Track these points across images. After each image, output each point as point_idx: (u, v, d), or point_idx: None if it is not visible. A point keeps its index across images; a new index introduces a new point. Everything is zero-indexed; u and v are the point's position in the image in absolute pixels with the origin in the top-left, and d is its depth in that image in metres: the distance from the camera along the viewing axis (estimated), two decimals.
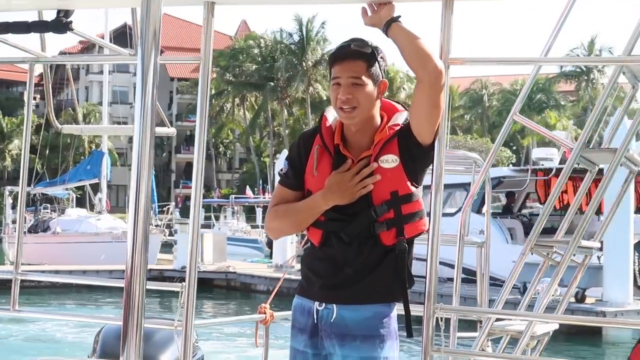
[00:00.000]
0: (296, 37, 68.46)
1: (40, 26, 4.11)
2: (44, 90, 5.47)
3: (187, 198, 64.09)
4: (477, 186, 5.67)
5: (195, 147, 3.75)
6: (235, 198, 50.55)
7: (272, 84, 68.66)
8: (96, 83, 75.82)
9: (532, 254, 5.24)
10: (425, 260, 3.52)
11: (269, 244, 34.66)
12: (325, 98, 63.23)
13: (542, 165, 23.91)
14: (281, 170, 3.80)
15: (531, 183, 23.29)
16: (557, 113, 65.53)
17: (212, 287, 28.55)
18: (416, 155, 3.58)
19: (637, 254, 19.17)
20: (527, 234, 23.50)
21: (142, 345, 2.47)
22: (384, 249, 3.62)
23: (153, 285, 4.84)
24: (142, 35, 2.52)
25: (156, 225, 34.78)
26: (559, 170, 17.85)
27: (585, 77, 67.54)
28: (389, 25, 3.51)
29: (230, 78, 70.01)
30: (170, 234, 35.91)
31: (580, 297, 19.43)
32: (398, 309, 3.70)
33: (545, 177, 22.19)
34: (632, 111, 15.12)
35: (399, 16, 3.52)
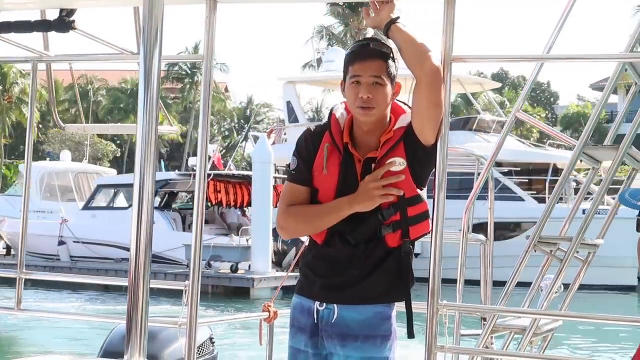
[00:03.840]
0: None
1: (43, 25, 4.12)
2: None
3: None
4: (481, 183, 5.67)
5: (199, 146, 3.75)
6: None
7: None
8: None
9: (534, 251, 5.24)
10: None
11: None
12: None
13: (194, 170, 29.26)
14: (289, 166, 3.77)
15: (192, 184, 28.59)
16: (162, 112, 68.11)
17: None
18: (422, 157, 3.58)
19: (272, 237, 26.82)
20: (184, 223, 30.66)
21: (146, 343, 2.48)
22: (386, 249, 3.62)
23: (156, 284, 4.85)
24: (145, 34, 2.53)
25: None
26: (215, 175, 29.49)
27: (190, 80, 72.04)
28: (389, 26, 3.53)
29: None
30: None
31: (234, 269, 26.99)
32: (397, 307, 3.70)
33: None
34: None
35: (398, 17, 3.54)
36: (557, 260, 5.41)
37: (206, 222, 30.21)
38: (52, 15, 4.09)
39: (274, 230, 24.78)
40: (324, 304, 3.66)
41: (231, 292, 26.50)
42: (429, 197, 3.58)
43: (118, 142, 69.38)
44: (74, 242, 30.65)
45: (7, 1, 4.10)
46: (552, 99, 79.08)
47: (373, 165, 3.60)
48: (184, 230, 30.74)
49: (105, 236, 30.57)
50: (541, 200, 29.75)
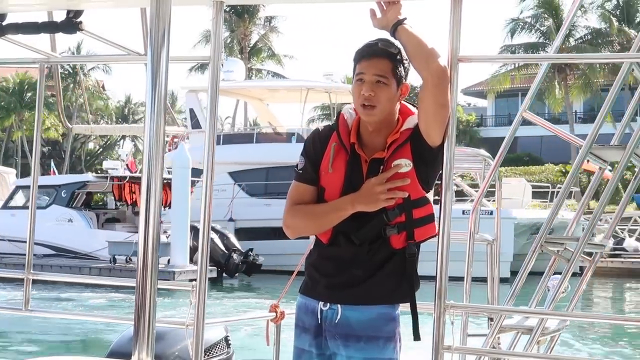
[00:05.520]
0: None
1: (50, 27, 4.12)
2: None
3: None
4: (487, 183, 5.66)
5: (205, 147, 3.76)
6: None
7: None
8: None
9: (542, 251, 5.24)
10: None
11: None
12: None
13: (109, 173, 33.77)
14: (297, 166, 3.76)
15: (109, 186, 33.30)
16: (47, 111, 68.88)
17: None
18: (428, 159, 3.58)
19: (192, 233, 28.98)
20: (98, 221, 33.04)
21: (154, 343, 2.48)
22: (391, 250, 3.62)
23: (164, 285, 4.85)
24: (152, 35, 2.53)
25: None
26: (131, 178, 32.10)
27: (73, 79, 73.42)
28: (396, 27, 3.53)
29: None
30: None
31: None
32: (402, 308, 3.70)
33: (120, 182, 32.48)
34: None
35: (405, 18, 3.54)
36: (564, 261, 5.41)
37: (118, 220, 34.58)
38: (59, 16, 4.09)
39: (191, 227, 29.04)
40: (328, 304, 3.67)
41: None
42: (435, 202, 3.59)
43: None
44: None
45: (14, 3, 4.11)
46: None
47: (381, 167, 3.61)
48: (98, 228, 33.62)
49: (25, 234, 31.42)
50: None
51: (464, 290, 5.52)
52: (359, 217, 3.61)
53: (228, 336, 5.80)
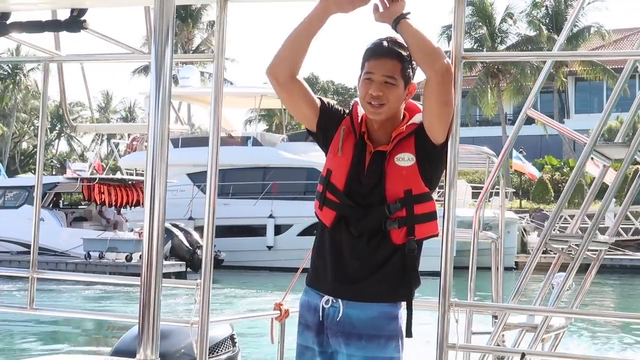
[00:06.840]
0: None
1: (54, 25, 4.13)
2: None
3: None
4: (492, 180, 5.66)
5: (210, 146, 3.76)
6: None
7: None
8: None
9: (546, 249, 5.24)
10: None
11: None
12: None
13: (79, 175, 36.15)
14: None
15: (79, 187, 35.27)
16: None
17: None
18: (432, 157, 3.58)
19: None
20: (67, 221, 35.09)
21: (159, 341, 2.48)
22: (392, 247, 3.62)
23: (168, 283, 4.85)
24: (156, 33, 2.53)
25: None
26: (101, 179, 34.75)
27: (12, 80, 75.40)
28: (398, 21, 3.52)
29: None
30: None
31: (129, 259, 31.94)
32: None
33: (90, 184, 34.54)
34: None
35: (408, 12, 3.53)
36: (568, 259, 5.41)
37: (85, 219, 36.82)
38: (63, 15, 4.10)
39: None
40: (330, 301, 3.67)
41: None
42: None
43: None
44: None
45: (18, 1, 4.11)
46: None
47: (385, 160, 3.61)
48: (67, 226, 36.20)
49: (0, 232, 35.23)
50: None
51: (468, 287, 5.52)
52: (359, 208, 3.61)
53: (234, 334, 5.79)
